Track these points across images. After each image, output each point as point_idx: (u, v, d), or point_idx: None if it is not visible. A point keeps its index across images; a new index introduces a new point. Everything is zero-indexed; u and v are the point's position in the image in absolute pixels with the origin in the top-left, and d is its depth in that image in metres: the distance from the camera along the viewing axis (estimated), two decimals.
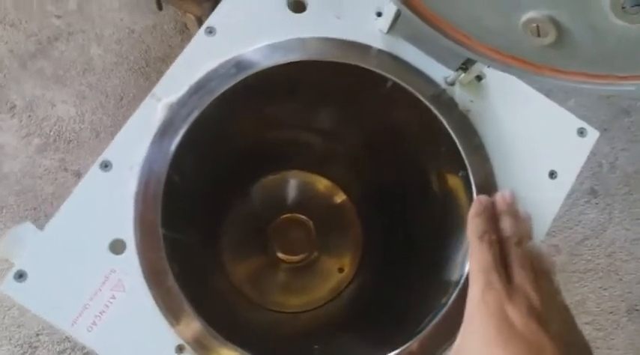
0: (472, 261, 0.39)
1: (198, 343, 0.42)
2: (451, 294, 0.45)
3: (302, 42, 0.49)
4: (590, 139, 0.51)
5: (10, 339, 0.96)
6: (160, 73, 0.46)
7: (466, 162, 0.47)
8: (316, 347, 0.56)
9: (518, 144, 0.49)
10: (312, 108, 0.62)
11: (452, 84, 0.49)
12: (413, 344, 0.44)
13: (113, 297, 0.42)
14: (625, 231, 1.15)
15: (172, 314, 0.42)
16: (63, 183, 1.03)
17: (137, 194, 0.44)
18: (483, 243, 0.39)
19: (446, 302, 0.45)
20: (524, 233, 0.42)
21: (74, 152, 1.05)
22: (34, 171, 1.03)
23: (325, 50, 0.49)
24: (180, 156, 0.45)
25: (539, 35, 0.32)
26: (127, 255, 0.43)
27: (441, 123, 0.48)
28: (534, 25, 0.32)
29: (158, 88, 0.46)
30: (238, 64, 0.47)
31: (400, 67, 0.49)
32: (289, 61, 0.48)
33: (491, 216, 0.42)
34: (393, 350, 0.44)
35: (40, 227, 0.42)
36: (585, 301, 1.11)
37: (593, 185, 1.17)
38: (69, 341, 0.96)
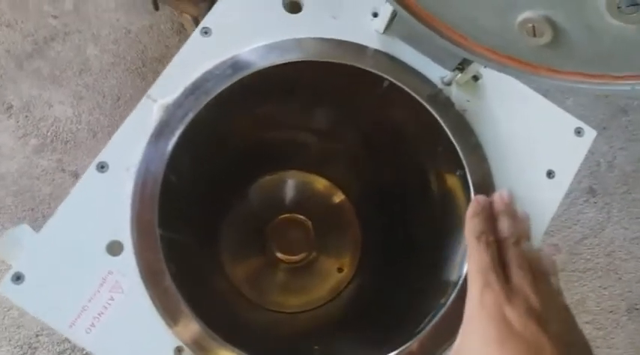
0: (470, 262, 0.39)
1: (196, 344, 0.42)
2: (450, 294, 0.45)
3: (298, 42, 0.49)
4: (588, 139, 0.51)
5: (10, 340, 0.96)
6: (157, 73, 0.46)
7: (463, 161, 0.47)
8: (316, 347, 0.56)
9: (516, 144, 0.49)
10: (309, 108, 0.62)
11: (448, 84, 0.49)
12: (412, 344, 0.44)
13: (111, 299, 0.42)
14: (624, 230, 1.15)
15: (170, 316, 0.42)
16: (60, 183, 1.03)
17: (134, 195, 0.43)
18: (481, 244, 0.38)
19: (445, 302, 0.45)
20: (522, 233, 0.42)
21: (71, 152, 1.05)
22: (31, 171, 1.03)
23: (321, 50, 0.49)
24: (177, 156, 0.45)
25: (535, 35, 0.32)
26: (124, 256, 0.42)
27: (438, 122, 0.48)
28: (530, 25, 0.31)
29: (154, 89, 0.46)
30: (234, 65, 0.47)
31: (397, 67, 0.49)
32: (285, 62, 0.48)
33: (489, 217, 0.42)
34: (392, 350, 0.44)
35: (38, 228, 0.42)
36: (585, 300, 1.11)
37: (591, 184, 1.17)
38: (68, 342, 0.96)
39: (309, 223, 0.73)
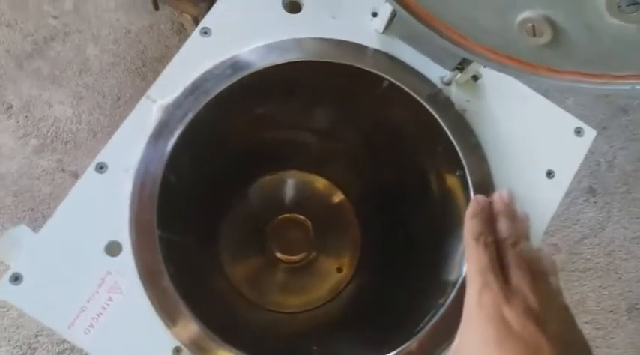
0: (469, 262, 0.39)
1: (195, 344, 0.42)
2: (450, 294, 0.45)
3: (298, 42, 0.49)
4: (588, 138, 0.51)
5: (10, 340, 0.96)
6: (157, 73, 0.46)
7: (463, 161, 0.47)
8: (314, 348, 0.56)
9: (516, 144, 0.49)
10: (309, 108, 0.62)
11: (448, 84, 0.49)
12: (412, 344, 0.44)
13: (110, 299, 0.42)
14: (624, 230, 1.15)
15: (169, 316, 0.42)
16: (60, 183, 1.03)
17: (133, 195, 0.43)
18: (479, 245, 0.38)
19: (444, 302, 0.45)
20: (521, 233, 0.42)
21: (71, 152, 1.05)
22: (31, 171, 1.03)
23: (321, 50, 0.49)
24: (176, 157, 0.45)
25: (534, 35, 0.32)
26: (123, 256, 0.42)
27: (438, 122, 0.48)
28: (530, 24, 0.31)
29: (153, 90, 0.46)
30: (234, 65, 0.47)
31: (396, 67, 0.49)
32: (285, 62, 0.48)
33: (488, 217, 0.42)
34: (391, 350, 0.44)
35: (38, 228, 0.42)
36: (585, 300, 1.11)
37: (591, 184, 1.17)
38: (68, 342, 0.96)
39: (309, 223, 0.73)
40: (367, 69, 0.48)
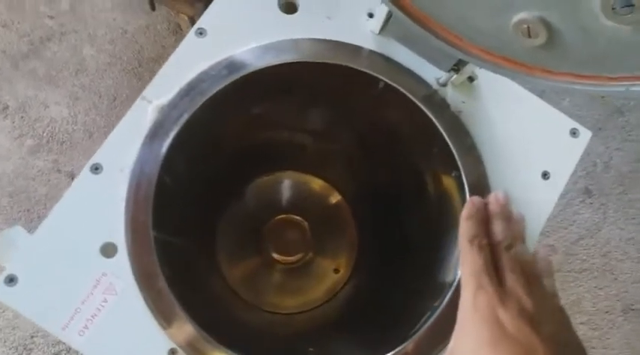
0: (463, 265, 0.39)
1: (190, 346, 0.42)
2: (446, 295, 0.45)
3: (293, 43, 0.49)
4: (583, 140, 0.51)
5: (5, 341, 0.96)
6: (154, 74, 0.46)
7: (459, 162, 0.47)
8: (311, 349, 0.56)
9: (511, 145, 0.49)
10: (305, 108, 0.62)
11: (444, 85, 0.49)
12: (408, 345, 0.44)
13: (105, 301, 0.41)
14: (619, 231, 1.16)
15: (164, 318, 0.42)
16: (56, 184, 1.03)
17: (128, 196, 0.43)
18: (474, 247, 0.39)
19: (441, 303, 0.45)
20: (517, 234, 0.42)
21: (67, 153, 1.04)
22: (27, 172, 1.03)
23: (317, 51, 0.48)
24: (172, 158, 0.45)
25: (530, 36, 0.32)
26: (118, 258, 0.42)
27: (434, 124, 0.48)
28: (525, 26, 0.31)
29: (148, 90, 0.46)
30: (230, 65, 0.47)
31: (392, 68, 0.49)
32: (281, 62, 0.47)
33: (484, 219, 0.42)
34: (388, 351, 0.44)
35: (34, 229, 0.42)
36: (581, 301, 1.11)
37: (587, 184, 1.17)
38: (64, 344, 0.96)
39: (306, 224, 0.73)
40: (363, 70, 0.48)
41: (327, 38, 0.49)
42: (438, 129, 0.48)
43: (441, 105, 0.49)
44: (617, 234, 1.15)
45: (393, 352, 0.44)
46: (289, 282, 0.71)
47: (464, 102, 0.50)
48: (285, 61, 0.48)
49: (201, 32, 0.48)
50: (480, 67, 0.40)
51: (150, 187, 0.44)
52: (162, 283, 0.42)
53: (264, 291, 0.69)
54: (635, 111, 1.22)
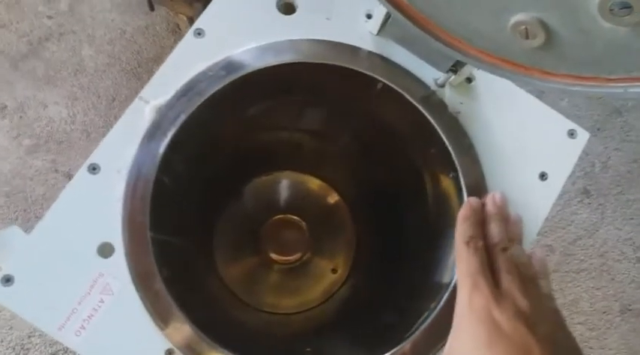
0: (459, 266, 0.39)
1: (187, 347, 0.42)
2: (443, 296, 0.45)
3: (292, 43, 0.48)
4: (581, 141, 0.51)
5: (2, 341, 0.96)
6: (152, 74, 0.46)
7: (456, 163, 0.47)
8: (308, 349, 0.56)
9: (509, 146, 0.49)
10: (303, 109, 0.62)
11: (442, 86, 0.49)
12: (405, 345, 0.44)
13: (101, 301, 0.41)
14: (617, 231, 1.16)
15: (161, 318, 0.42)
16: (54, 184, 1.03)
17: (125, 197, 0.43)
18: (469, 249, 0.39)
19: (438, 304, 0.45)
20: (513, 236, 0.42)
21: (65, 153, 1.04)
22: (24, 172, 1.03)
23: (315, 52, 0.48)
24: (169, 158, 0.45)
25: (527, 37, 0.32)
26: (115, 258, 0.42)
27: (431, 124, 0.48)
28: (523, 27, 0.31)
29: (146, 91, 0.46)
30: (228, 66, 0.47)
31: (390, 69, 0.49)
32: (279, 63, 0.47)
33: (480, 220, 0.42)
34: (385, 351, 0.44)
35: (31, 229, 0.42)
36: (578, 301, 1.11)
37: (585, 185, 1.17)
38: (61, 343, 0.96)
39: (304, 224, 0.73)
40: (361, 70, 0.48)
41: (326, 39, 0.49)
42: (435, 130, 0.48)
43: (438, 106, 0.49)
44: (615, 235, 1.15)
45: (390, 352, 0.44)
46: (287, 282, 0.71)
47: (462, 103, 0.50)
48: (284, 62, 0.48)
49: (199, 33, 0.47)
50: (478, 68, 0.40)
51: (147, 187, 0.44)
52: (159, 283, 0.42)
53: (261, 291, 0.68)
54: (634, 112, 1.22)
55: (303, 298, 0.69)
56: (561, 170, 0.50)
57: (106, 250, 0.42)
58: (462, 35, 0.38)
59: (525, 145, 0.50)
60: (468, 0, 0.33)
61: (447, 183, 0.50)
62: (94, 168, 0.44)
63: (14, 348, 0.96)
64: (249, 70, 0.47)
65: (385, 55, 0.50)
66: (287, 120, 0.64)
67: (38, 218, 0.42)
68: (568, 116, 0.51)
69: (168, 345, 0.41)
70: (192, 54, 0.47)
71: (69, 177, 1.03)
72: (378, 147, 0.63)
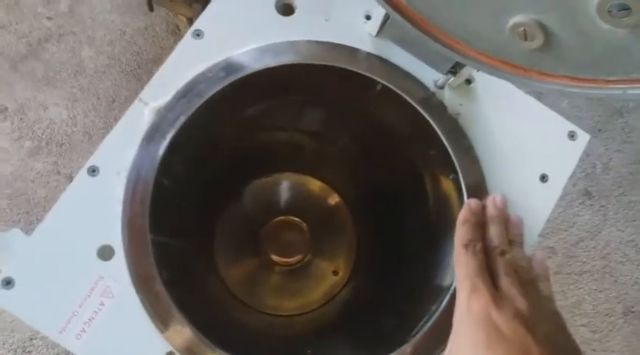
0: (458, 269, 0.39)
1: (188, 349, 0.42)
2: (444, 298, 0.45)
3: (291, 45, 0.48)
4: (581, 142, 0.51)
5: (4, 344, 0.96)
6: (152, 75, 0.46)
7: (456, 165, 0.47)
8: (309, 352, 0.56)
9: (509, 148, 0.49)
10: (303, 110, 0.62)
11: (441, 87, 0.49)
12: (406, 348, 0.44)
13: (102, 304, 0.41)
14: (619, 233, 1.15)
15: (161, 321, 0.42)
16: (55, 186, 1.03)
17: (125, 199, 0.43)
18: (468, 252, 0.39)
19: (439, 306, 0.45)
20: (514, 238, 0.42)
21: (66, 155, 1.04)
22: (26, 174, 1.03)
23: (314, 53, 0.48)
24: (169, 160, 0.45)
25: (526, 39, 0.32)
26: (115, 261, 0.42)
27: (431, 126, 0.48)
28: (522, 29, 0.31)
29: (145, 92, 0.46)
30: (227, 67, 0.47)
31: (389, 70, 0.49)
32: (278, 64, 0.47)
33: (480, 223, 0.42)
34: (386, 354, 0.44)
35: (33, 231, 0.42)
36: (581, 303, 1.11)
37: (587, 186, 1.17)
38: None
39: (304, 225, 0.73)
40: (360, 72, 0.48)
41: (325, 40, 0.49)
42: (435, 132, 0.48)
43: (438, 108, 0.49)
44: (617, 236, 1.15)
45: (391, 354, 0.44)
46: (288, 284, 0.71)
47: (461, 105, 0.50)
48: (283, 63, 0.48)
49: (198, 34, 0.47)
50: (478, 70, 0.40)
51: (147, 189, 0.44)
52: (159, 286, 0.42)
53: (262, 293, 0.68)
54: (635, 113, 1.22)
55: (304, 300, 0.69)
56: (562, 172, 0.50)
57: (106, 253, 0.42)
58: (460, 36, 0.38)
59: (525, 147, 0.50)
60: (466, 1, 0.33)
61: (447, 184, 0.50)
62: (93, 171, 0.44)
63: (16, 351, 0.96)
64: (249, 71, 0.47)
65: (384, 56, 0.50)
66: (286, 122, 0.64)
67: (40, 220, 0.42)
68: (569, 117, 0.51)
69: (169, 348, 0.41)
70: (192, 55, 0.47)
71: (71, 179, 1.03)
72: (378, 148, 0.63)
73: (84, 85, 1.08)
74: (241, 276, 0.68)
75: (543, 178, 0.49)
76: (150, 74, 1.07)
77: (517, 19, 0.31)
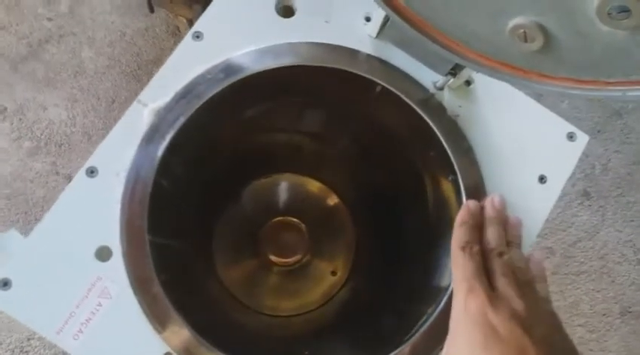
0: (455, 270, 0.39)
1: (186, 350, 0.42)
2: (442, 299, 0.45)
3: (291, 46, 0.48)
4: (580, 143, 0.51)
5: (1, 344, 0.96)
6: (152, 76, 0.46)
7: (455, 166, 0.47)
8: (307, 352, 0.56)
9: (508, 149, 0.49)
10: (303, 111, 0.62)
11: (441, 89, 0.49)
12: (404, 348, 0.44)
13: (99, 305, 0.41)
14: (617, 233, 1.16)
15: (159, 322, 0.42)
16: (54, 186, 1.03)
17: (123, 200, 0.43)
18: (465, 255, 0.39)
19: (437, 307, 0.45)
20: (512, 239, 0.42)
21: (65, 155, 1.04)
22: (25, 174, 1.03)
23: (314, 55, 0.48)
24: (168, 161, 0.45)
25: (526, 41, 0.32)
26: (113, 261, 0.42)
27: (430, 127, 0.48)
28: (522, 31, 0.31)
29: (145, 94, 0.45)
30: (226, 69, 0.47)
31: (389, 72, 0.49)
32: (278, 66, 0.47)
33: (478, 224, 0.42)
34: (385, 354, 0.44)
35: (32, 231, 0.42)
36: (579, 303, 1.11)
37: (586, 187, 1.17)
38: None
39: (303, 226, 0.73)
40: (360, 73, 0.48)
41: (325, 42, 0.49)
42: (434, 133, 0.48)
43: (437, 109, 0.49)
44: (615, 237, 1.15)
45: None
46: (286, 285, 0.71)
47: (461, 106, 0.50)
48: (283, 65, 0.48)
49: (198, 36, 0.47)
50: (477, 71, 0.40)
51: (145, 190, 0.43)
52: (157, 287, 0.42)
53: (261, 294, 0.68)
54: (634, 114, 1.22)
55: (303, 300, 0.69)
56: (560, 173, 0.50)
57: (104, 254, 0.42)
58: (459, 38, 0.38)
59: (524, 148, 0.50)
60: (465, 3, 0.33)
61: (446, 185, 0.50)
62: (92, 172, 0.43)
63: (13, 351, 0.96)
64: (248, 72, 0.47)
65: (384, 57, 0.50)
66: (286, 123, 0.64)
67: (39, 220, 0.42)
68: (568, 118, 0.51)
69: (167, 349, 0.41)
70: (191, 57, 0.47)
71: (69, 179, 1.03)
72: (377, 149, 0.63)
73: (84, 86, 1.08)
74: (240, 277, 0.68)
75: (542, 179, 0.49)
76: (150, 75, 1.07)
77: (517, 20, 0.31)
